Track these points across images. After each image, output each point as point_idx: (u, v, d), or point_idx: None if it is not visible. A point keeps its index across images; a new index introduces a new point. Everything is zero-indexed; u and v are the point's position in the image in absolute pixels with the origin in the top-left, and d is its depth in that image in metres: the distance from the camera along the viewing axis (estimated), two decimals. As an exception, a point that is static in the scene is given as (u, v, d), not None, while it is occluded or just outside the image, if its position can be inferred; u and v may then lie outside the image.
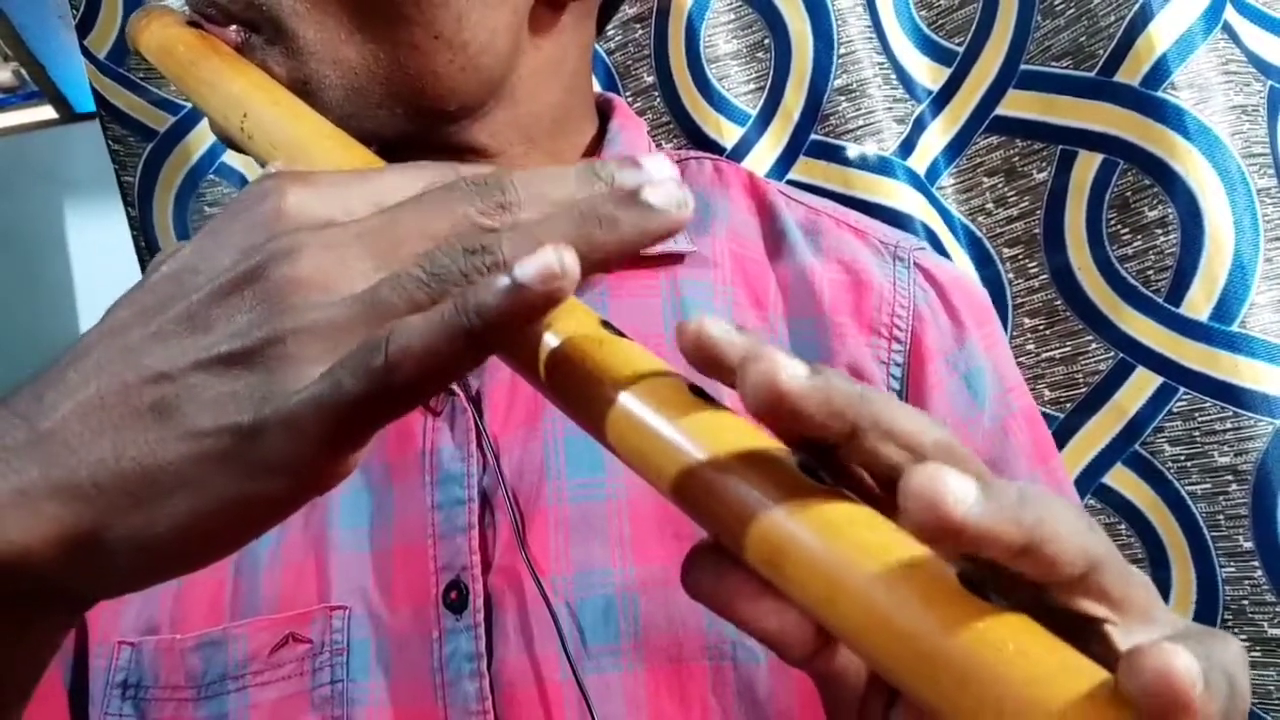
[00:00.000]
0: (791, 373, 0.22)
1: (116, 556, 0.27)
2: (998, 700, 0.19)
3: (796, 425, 0.23)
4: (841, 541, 0.22)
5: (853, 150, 0.66)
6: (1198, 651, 0.19)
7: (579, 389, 0.27)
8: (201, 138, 0.78)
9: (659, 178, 0.28)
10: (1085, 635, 0.22)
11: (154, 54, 0.46)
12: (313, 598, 0.48)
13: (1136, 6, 0.60)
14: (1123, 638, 0.22)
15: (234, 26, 0.45)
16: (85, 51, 0.79)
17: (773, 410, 0.23)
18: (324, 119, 0.42)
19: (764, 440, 0.24)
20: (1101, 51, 0.62)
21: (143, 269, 0.79)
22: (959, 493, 0.19)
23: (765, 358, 0.22)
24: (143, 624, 0.49)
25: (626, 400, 0.25)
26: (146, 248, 0.80)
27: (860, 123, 0.68)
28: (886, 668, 0.21)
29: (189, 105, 0.78)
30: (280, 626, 0.47)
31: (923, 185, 0.69)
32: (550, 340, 0.28)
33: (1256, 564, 0.57)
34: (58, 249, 1.53)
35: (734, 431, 0.25)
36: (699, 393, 0.26)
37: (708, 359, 0.24)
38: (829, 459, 0.27)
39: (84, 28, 0.79)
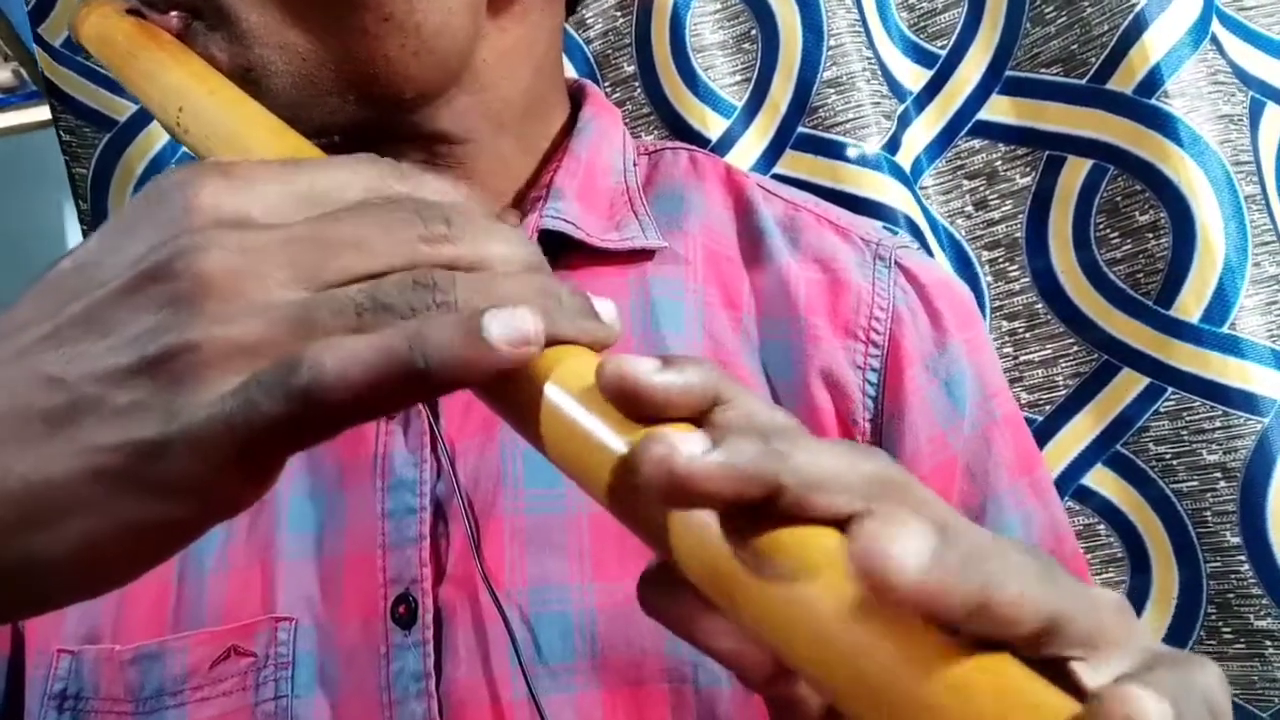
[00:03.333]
0: (689, 453, 0.21)
1: (10, 579, 0.24)
2: None
3: (716, 505, 0.21)
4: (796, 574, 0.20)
5: (853, 150, 0.66)
6: (1174, 683, 0.18)
7: (513, 394, 0.26)
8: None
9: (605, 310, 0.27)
10: (1051, 671, 0.21)
11: (94, 45, 0.44)
12: (258, 608, 0.45)
13: (1131, 16, 0.61)
14: (1091, 673, 0.21)
15: (175, 13, 0.43)
16: (39, 40, 0.75)
17: (683, 498, 0.21)
18: (263, 109, 0.39)
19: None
20: (1094, 59, 0.63)
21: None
22: (905, 557, 0.18)
23: (657, 442, 0.21)
24: (84, 632, 0.46)
25: (562, 405, 0.24)
26: (98, 242, 0.75)
27: (850, 116, 0.68)
28: (846, 709, 0.20)
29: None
30: (223, 639, 0.44)
31: (909, 181, 0.69)
32: None
33: (1243, 558, 0.58)
34: (58, 249, 1.50)
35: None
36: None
37: (630, 403, 0.23)
38: None
39: (38, 15, 0.75)
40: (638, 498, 0.22)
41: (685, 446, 0.21)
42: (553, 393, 0.24)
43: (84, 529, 0.23)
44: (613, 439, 0.23)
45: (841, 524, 0.21)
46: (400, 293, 0.24)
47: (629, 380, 0.22)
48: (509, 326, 0.22)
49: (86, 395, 0.23)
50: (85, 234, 0.77)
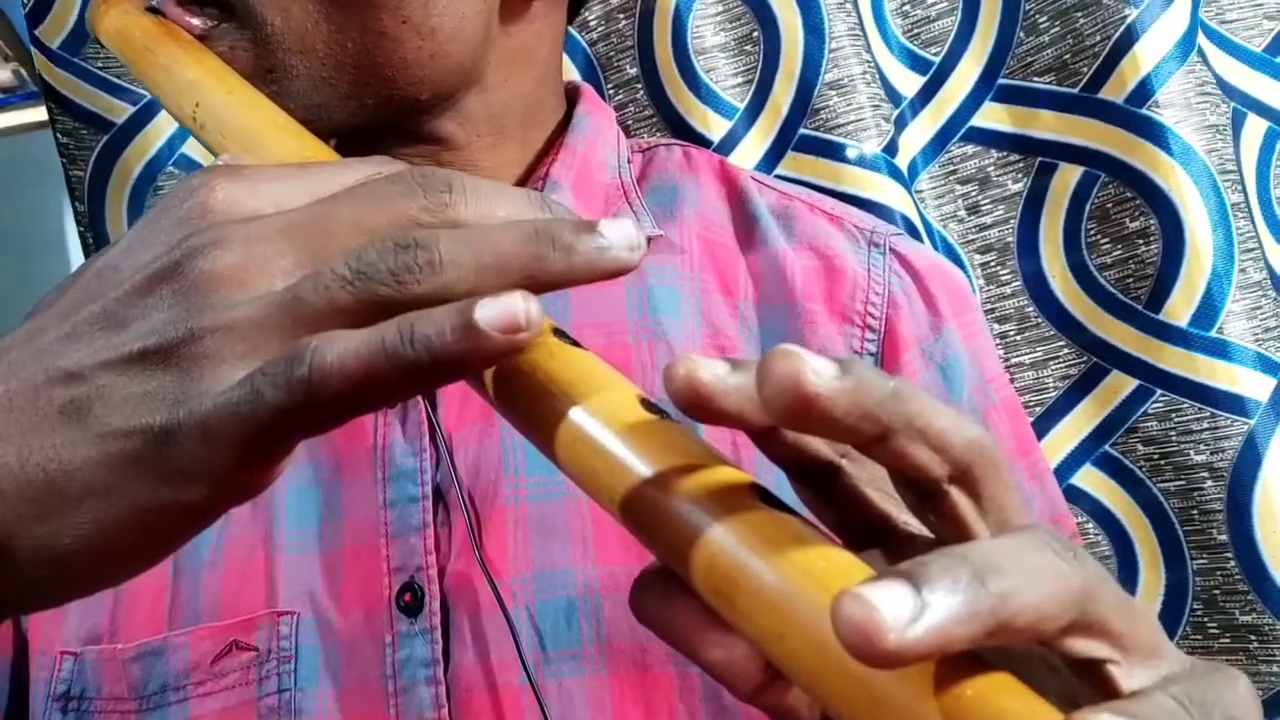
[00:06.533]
0: (819, 372, 0.20)
1: (24, 569, 0.25)
2: None
3: (826, 430, 0.21)
4: (795, 573, 0.20)
5: (851, 151, 0.67)
6: (1184, 697, 0.19)
7: (526, 402, 0.25)
8: (162, 128, 0.75)
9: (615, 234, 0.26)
10: (1087, 677, 0.21)
11: (111, 39, 0.45)
12: (259, 603, 0.45)
13: (1122, 28, 0.63)
14: (1125, 677, 0.21)
15: (200, 15, 0.44)
16: (36, 42, 0.75)
17: (800, 416, 0.20)
18: (278, 109, 0.41)
19: (718, 461, 0.23)
20: (1086, 69, 0.65)
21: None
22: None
23: (788, 356, 0.20)
24: (85, 632, 0.47)
25: (575, 416, 0.24)
26: (95, 243, 0.76)
27: (851, 118, 0.68)
28: (836, 710, 0.20)
29: (150, 94, 0.75)
30: (224, 634, 0.45)
31: (908, 184, 0.70)
32: None
33: (1229, 555, 0.60)
34: (58, 249, 1.54)
35: (687, 451, 0.23)
36: (653, 409, 0.25)
37: (700, 405, 0.22)
38: (823, 481, 0.26)
39: (35, 18, 0.75)
40: (653, 513, 0.23)
41: (815, 366, 0.20)
42: (574, 414, 0.24)
43: (97, 515, 0.24)
44: (623, 450, 0.23)
45: None
46: (381, 258, 0.24)
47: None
48: (499, 311, 0.22)
49: (100, 385, 0.24)
50: (83, 235, 0.77)
